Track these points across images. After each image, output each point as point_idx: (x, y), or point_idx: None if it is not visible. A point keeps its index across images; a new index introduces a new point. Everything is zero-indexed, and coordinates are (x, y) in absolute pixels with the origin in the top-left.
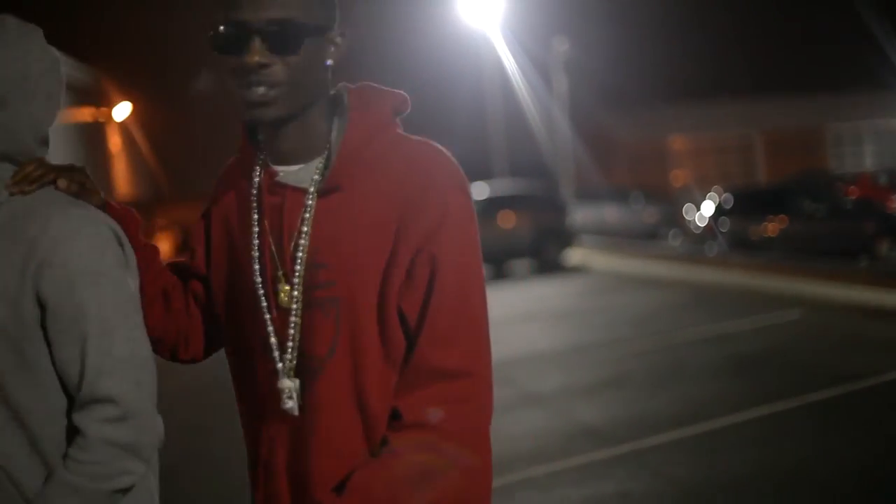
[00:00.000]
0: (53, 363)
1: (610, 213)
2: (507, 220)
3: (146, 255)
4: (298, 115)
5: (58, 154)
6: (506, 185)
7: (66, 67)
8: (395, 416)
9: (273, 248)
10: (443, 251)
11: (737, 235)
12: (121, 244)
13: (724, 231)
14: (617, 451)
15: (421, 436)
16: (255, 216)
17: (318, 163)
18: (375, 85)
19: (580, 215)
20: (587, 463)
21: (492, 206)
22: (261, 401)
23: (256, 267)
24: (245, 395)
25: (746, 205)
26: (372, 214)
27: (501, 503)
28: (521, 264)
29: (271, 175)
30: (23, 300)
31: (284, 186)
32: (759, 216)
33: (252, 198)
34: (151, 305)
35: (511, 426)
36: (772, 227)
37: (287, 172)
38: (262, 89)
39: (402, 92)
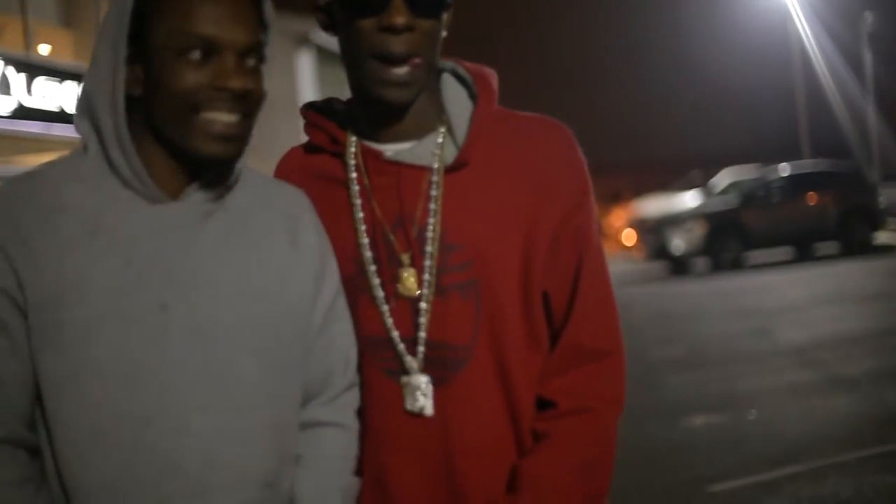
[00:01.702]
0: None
1: None
2: (811, 200)
3: None
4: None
5: None
6: (809, 165)
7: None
8: (546, 402)
9: (388, 231)
10: (587, 228)
11: None
12: None
13: None
14: None
15: (581, 423)
16: (357, 200)
17: (434, 138)
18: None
19: (888, 196)
20: None
21: (795, 186)
22: (367, 407)
23: (368, 254)
24: None
25: None
26: (504, 191)
27: (814, 486)
28: (826, 245)
29: (374, 154)
30: (309, 277)
31: (397, 164)
32: None
33: (342, 181)
34: None
35: (820, 410)
36: None
37: (399, 150)
38: (405, 70)
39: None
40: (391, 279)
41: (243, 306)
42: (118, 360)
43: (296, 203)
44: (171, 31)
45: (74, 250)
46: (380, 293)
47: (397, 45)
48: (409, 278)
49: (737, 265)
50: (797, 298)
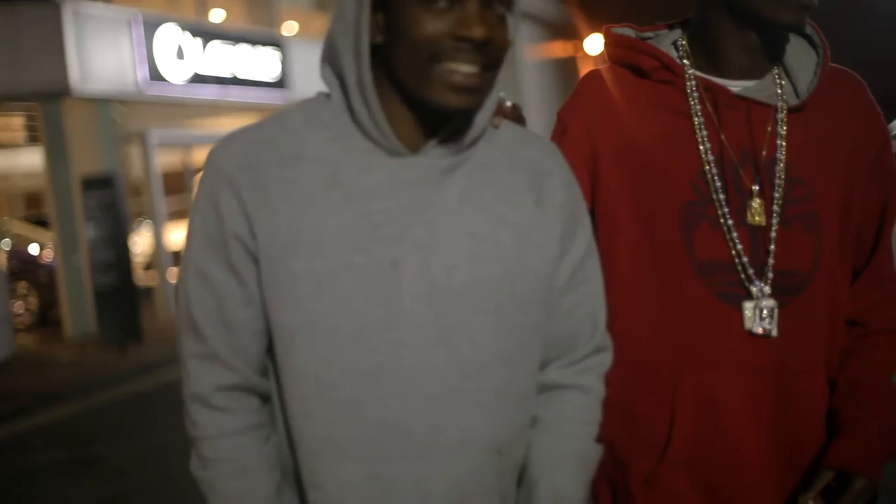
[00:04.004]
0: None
1: None
2: None
3: None
4: None
5: (532, 89)
6: None
7: (538, 2)
8: (852, 322)
9: (736, 163)
10: (892, 168)
11: None
12: None
13: None
14: None
15: (890, 340)
16: (704, 131)
17: (771, 79)
18: None
19: None
20: None
21: None
22: (688, 327)
23: (718, 183)
24: (651, 327)
25: None
26: (830, 133)
27: None
28: None
29: (720, 89)
30: (554, 237)
31: (745, 100)
32: None
33: (681, 110)
34: None
35: None
36: None
37: (746, 87)
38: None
39: None
40: (737, 208)
41: (479, 266)
42: (349, 315)
43: (546, 158)
44: None
45: (311, 201)
46: (729, 220)
47: None
48: (757, 208)
49: None
50: None
